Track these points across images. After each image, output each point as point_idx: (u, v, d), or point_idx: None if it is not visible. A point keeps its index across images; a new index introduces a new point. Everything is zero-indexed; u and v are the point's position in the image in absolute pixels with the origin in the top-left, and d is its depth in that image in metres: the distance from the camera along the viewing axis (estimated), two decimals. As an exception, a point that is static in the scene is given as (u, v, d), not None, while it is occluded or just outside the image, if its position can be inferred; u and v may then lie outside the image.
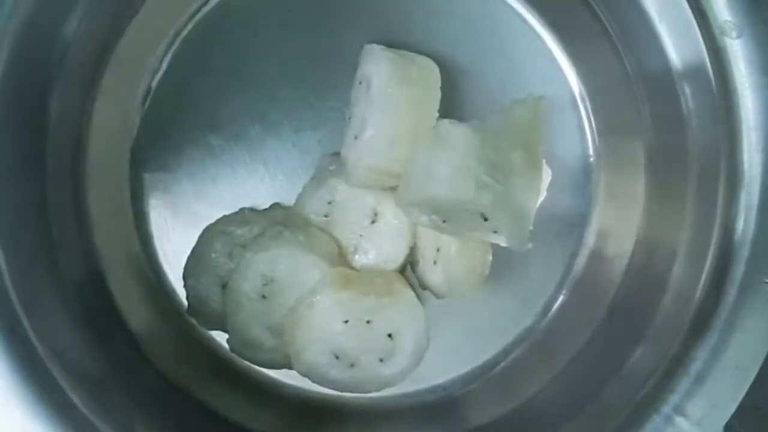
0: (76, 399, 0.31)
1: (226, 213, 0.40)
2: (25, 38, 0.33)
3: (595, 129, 0.42)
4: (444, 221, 0.34)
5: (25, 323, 0.31)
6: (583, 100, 0.42)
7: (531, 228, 0.35)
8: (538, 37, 0.42)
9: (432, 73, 0.37)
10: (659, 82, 0.38)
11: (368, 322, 0.37)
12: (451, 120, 0.36)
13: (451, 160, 0.34)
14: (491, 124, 0.35)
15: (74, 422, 0.31)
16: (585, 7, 0.40)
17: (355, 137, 0.37)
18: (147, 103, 0.41)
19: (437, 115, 0.37)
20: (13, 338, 0.31)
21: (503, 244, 0.35)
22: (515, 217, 0.34)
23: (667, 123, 0.38)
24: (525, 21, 0.42)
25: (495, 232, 0.34)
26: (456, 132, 0.35)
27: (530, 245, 0.35)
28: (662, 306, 0.37)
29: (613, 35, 0.40)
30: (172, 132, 0.41)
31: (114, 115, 0.40)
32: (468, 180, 0.34)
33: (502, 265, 0.41)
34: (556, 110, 0.42)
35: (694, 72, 0.35)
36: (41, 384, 0.31)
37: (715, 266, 0.34)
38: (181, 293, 0.41)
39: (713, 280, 0.34)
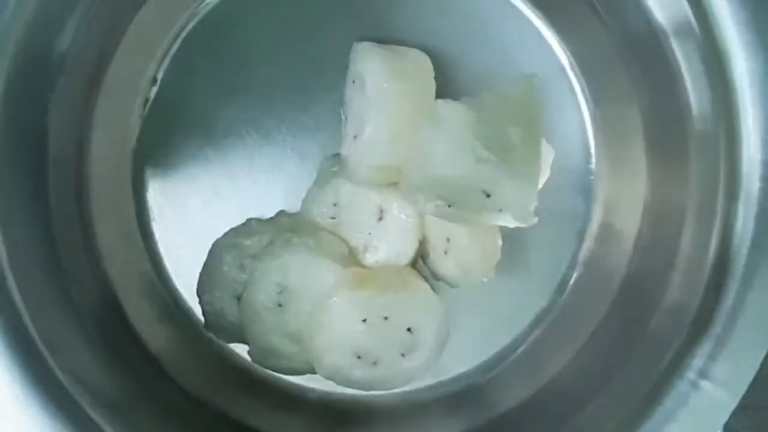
0: (106, 427, 0.32)
1: (233, 225, 0.40)
2: (23, 49, 0.32)
3: (590, 101, 0.42)
4: (449, 206, 0.34)
5: (49, 359, 0.32)
6: (574, 71, 0.42)
7: (536, 203, 0.35)
8: (523, 16, 0.41)
9: (424, 64, 0.37)
10: (648, 47, 0.38)
11: (386, 318, 0.37)
12: (446, 100, 0.36)
13: (448, 137, 0.34)
14: (485, 101, 0.36)
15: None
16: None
17: (355, 136, 0.37)
18: (142, 124, 0.41)
19: (434, 100, 0.37)
20: (39, 376, 0.31)
21: (509, 224, 0.35)
22: (518, 191, 0.34)
23: (660, 87, 0.38)
24: (507, 1, 0.41)
25: (500, 210, 0.34)
26: (450, 110, 0.35)
27: (536, 219, 0.35)
28: (675, 271, 0.37)
29: (597, 5, 0.40)
30: (170, 151, 0.41)
31: (111, 141, 0.40)
32: (467, 154, 0.34)
33: (513, 249, 0.41)
34: (548, 86, 0.42)
35: (682, 33, 0.35)
36: (72, 419, 0.31)
37: (723, 226, 0.34)
38: (197, 309, 0.41)
39: (723, 240, 0.34)
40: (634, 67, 0.40)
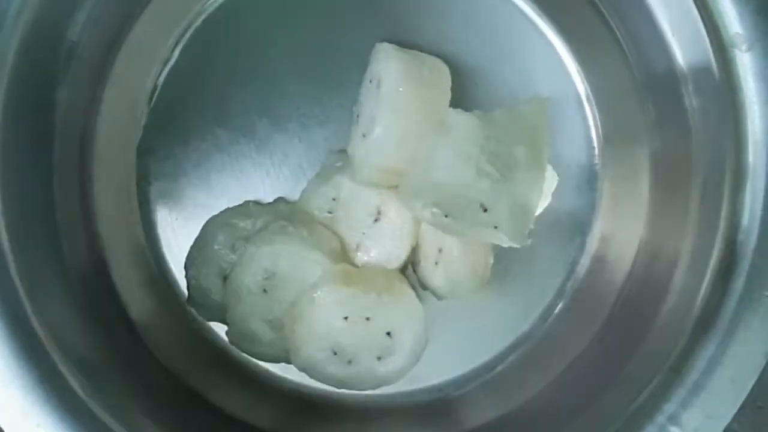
0: (75, 384, 0.32)
1: (230, 205, 0.41)
2: (35, 27, 0.33)
3: (601, 133, 0.42)
4: (446, 215, 0.35)
5: (28, 308, 0.32)
6: (589, 103, 0.42)
7: (532, 226, 0.35)
8: (546, 39, 0.42)
9: (443, 74, 0.37)
10: (667, 90, 0.38)
11: (368, 319, 0.37)
12: (457, 109, 0.36)
13: (453, 146, 0.35)
14: (496, 117, 0.36)
15: (73, 407, 0.31)
16: (594, 12, 0.40)
17: (364, 135, 0.37)
18: (156, 94, 0.41)
19: (446, 111, 0.37)
20: (15, 322, 0.31)
21: (503, 243, 0.35)
22: (515, 211, 0.34)
23: (673, 130, 0.38)
24: (533, 23, 0.42)
25: (495, 227, 0.34)
26: (460, 120, 0.35)
27: (529, 242, 0.35)
28: (661, 315, 0.37)
29: (622, 41, 0.40)
30: (179, 123, 0.41)
31: (123, 104, 0.40)
32: (469, 165, 0.34)
33: (504, 269, 0.41)
34: (561, 113, 0.42)
35: (703, 82, 0.35)
36: (41, 368, 0.31)
37: (715, 276, 0.34)
38: (182, 283, 0.41)
39: (713, 291, 0.34)
40: (650, 109, 0.40)
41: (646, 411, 0.34)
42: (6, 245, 0.32)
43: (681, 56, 0.36)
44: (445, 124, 0.35)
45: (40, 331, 0.32)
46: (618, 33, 0.40)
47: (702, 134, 0.36)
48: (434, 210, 0.34)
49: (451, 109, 0.36)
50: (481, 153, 0.34)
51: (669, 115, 0.39)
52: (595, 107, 0.42)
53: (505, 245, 0.35)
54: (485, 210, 0.34)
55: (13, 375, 0.31)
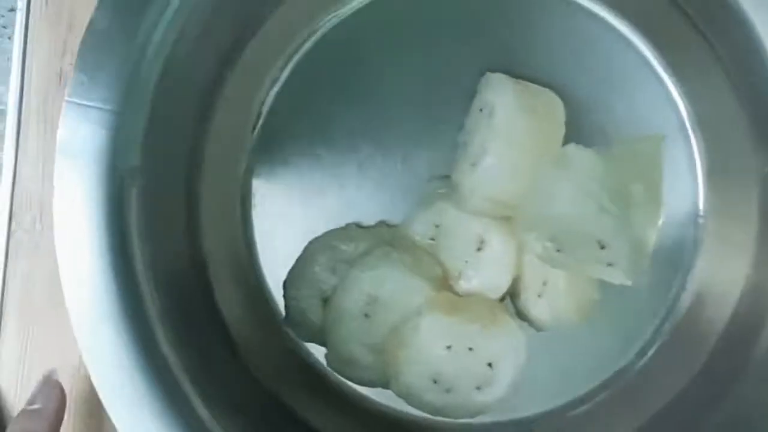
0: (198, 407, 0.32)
1: (330, 226, 0.41)
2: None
3: (705, 167, 0.41)
4: (558, 250, 0.34)
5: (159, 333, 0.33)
6: (696, 136, 0.41)
7: (648, 262, 0.34)
8: (656, 73, 0.41)
9: (557, 107, 0.37)
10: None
11: (470, 349, 0.37)
12: (577, 145, 0.36)
13: (574, 180, 0.35)
14: (615, 153, 0.35)
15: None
16: (700, 39, 0.40)
17: (473, 164, 0.37)
18: (264, 113, 0.42)
19: (559, 146, 0.36)
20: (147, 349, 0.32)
21: (613, 279, 0.35)
22: (633, 248, 0.34)
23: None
24: (640, 54, 0.41)
25: (609, 264, 0.34)
26: (581, 155, 0.35)
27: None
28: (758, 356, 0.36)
29: (730, 71, 0.39)
30: (285, 142, 0.42)
31: (232, 122, 0.41)
32: (591, 202, 0.34)
33: (603, 304, 0.40)
34: (665, 147, 0.41)
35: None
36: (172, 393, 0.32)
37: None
38: (279, 303, 0.41)
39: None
40: (760, 146, 0.39)
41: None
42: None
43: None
44: (566, 159, 0.34)
45: (170, 356, 0.32)
46: (728, 67, 0.40)
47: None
48: (547, 244, 0.34)
49: (571, 144, 0.36)
50: (602, 189, 0.33)
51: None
52: (700, 141, 0.41)
53: (617, 282, 0.35)
54: (602, 247, 0.34)
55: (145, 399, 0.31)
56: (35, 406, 0.38)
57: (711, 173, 0.41)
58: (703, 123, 0.41)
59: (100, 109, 0.32)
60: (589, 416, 0.42)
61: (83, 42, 0.32)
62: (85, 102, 0.32)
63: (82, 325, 0.32)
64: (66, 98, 0.32)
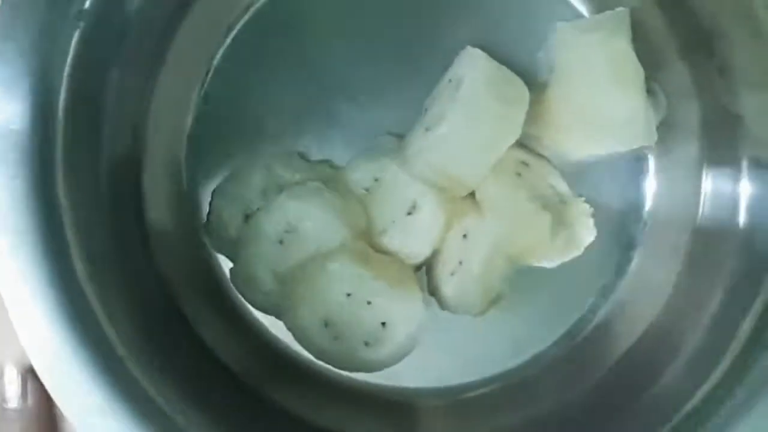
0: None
1: (276, 152, 0.41)
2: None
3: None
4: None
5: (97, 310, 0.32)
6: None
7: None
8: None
9: (523, 98, 0.36)
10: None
11: (369, 303, 0.37)
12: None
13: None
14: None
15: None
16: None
17: (427, 129, 0.37)
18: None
19: (514, 141, 0.36)
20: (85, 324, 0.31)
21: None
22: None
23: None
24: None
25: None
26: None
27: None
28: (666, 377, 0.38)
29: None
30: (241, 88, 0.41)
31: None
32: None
33: (510, 301, 0.40)
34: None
35: None
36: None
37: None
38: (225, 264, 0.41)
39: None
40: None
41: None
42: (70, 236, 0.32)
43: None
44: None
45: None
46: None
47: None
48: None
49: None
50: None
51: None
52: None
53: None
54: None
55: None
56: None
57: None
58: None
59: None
60: (476, 402, 0.42)
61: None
62: None
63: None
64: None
